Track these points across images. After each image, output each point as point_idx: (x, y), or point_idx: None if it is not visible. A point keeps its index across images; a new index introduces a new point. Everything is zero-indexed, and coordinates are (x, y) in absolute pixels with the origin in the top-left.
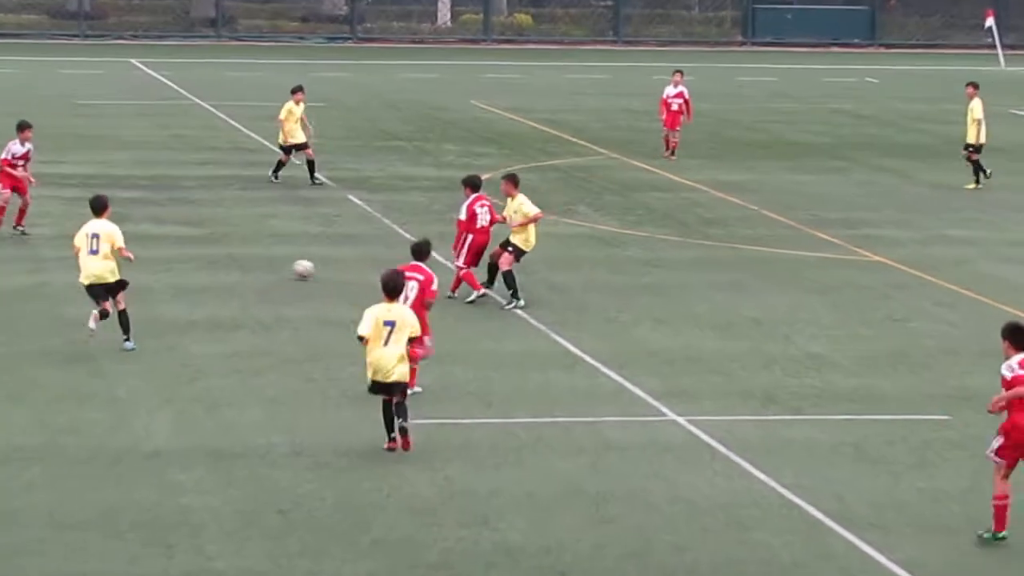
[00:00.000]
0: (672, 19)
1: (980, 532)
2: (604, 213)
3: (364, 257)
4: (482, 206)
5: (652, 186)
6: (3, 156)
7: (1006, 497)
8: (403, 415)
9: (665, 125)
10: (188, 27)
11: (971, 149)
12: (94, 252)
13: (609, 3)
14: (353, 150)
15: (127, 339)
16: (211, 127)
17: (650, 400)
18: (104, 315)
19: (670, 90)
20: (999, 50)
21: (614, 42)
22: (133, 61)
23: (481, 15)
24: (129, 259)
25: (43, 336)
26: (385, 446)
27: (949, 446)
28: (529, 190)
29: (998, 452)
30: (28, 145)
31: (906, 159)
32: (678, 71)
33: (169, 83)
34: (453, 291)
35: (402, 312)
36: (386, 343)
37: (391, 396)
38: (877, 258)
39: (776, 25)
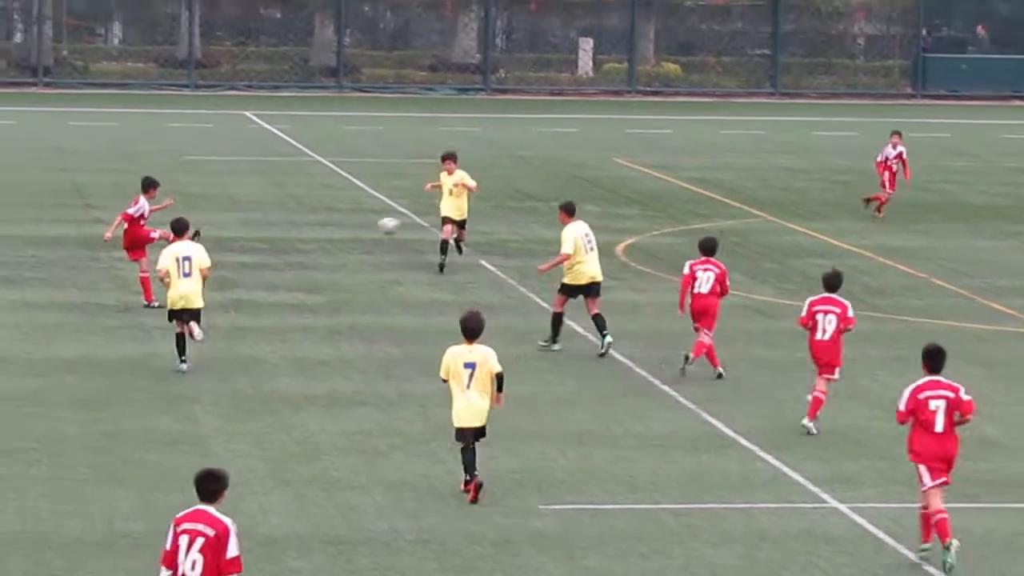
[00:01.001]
0: (835, 68)
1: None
2: (759, 281)
3: (498, 328)
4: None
5: (812, 252)
6: (132, 211)
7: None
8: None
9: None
10: (307, 76)
11: None
12: (187, 275)
13: (766, 51)
14: (485, 211)
15: (183, 361)
16: (331, 185)
17: (810, 486)
18: (188, 335)
19: (889, 151)
20: None
21: (771, 93)
22: (247, 113)
23: (626, 64)
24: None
25: (149, 413)
26: (462, 487)
27: None
28: (679, 255)
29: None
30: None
31: None
32: (896, 132)
33: (286, 137)
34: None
35: (483, 352)
36: (468, 386)
37: (471, 442)
38: None
39: (949, 75)
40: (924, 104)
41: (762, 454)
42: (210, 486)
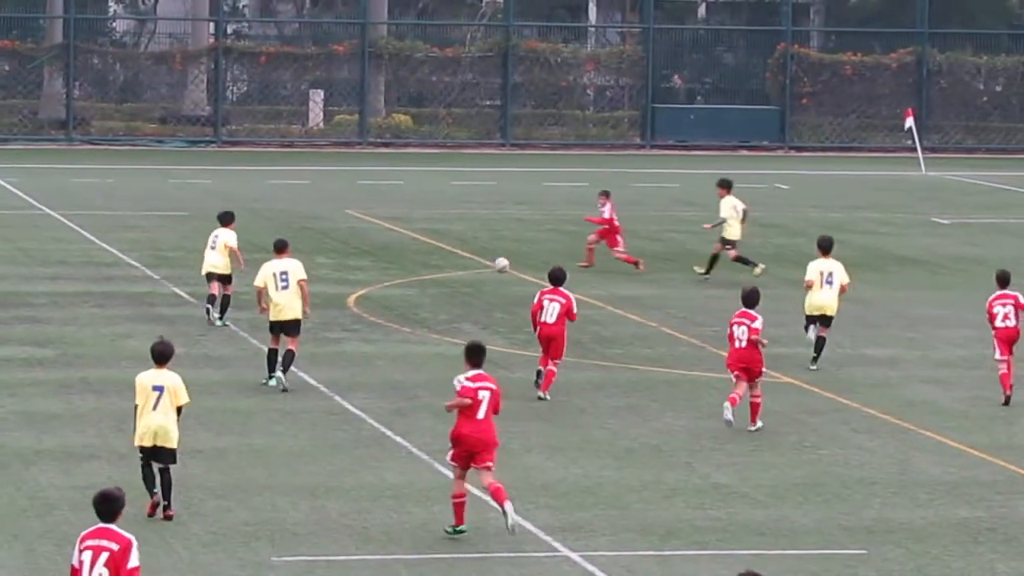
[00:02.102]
0: (565, 119)
1: (446, 528)
2: (492, 332)
3: (230, 381)
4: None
5: None
6: None
7: (463, 495)
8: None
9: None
10: (36, 129)
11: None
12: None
13: (497, 102)
14: None
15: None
16: (61, 239)
17: (542, 535)
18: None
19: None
20: (919, 153)
21: (502, 144)
22: None
23: (356, 116)
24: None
25: None
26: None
27: None
28: (410, 306)
29: (452, 458)
30: None
31: None
32: (603, 192)
33: (15, 190)
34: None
35: (172, 379)
36: (155, 407)
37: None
38: (787, 379)
39: (678, 126)
40: (653, 154)
41: (494, 504)
42: (109, 508)
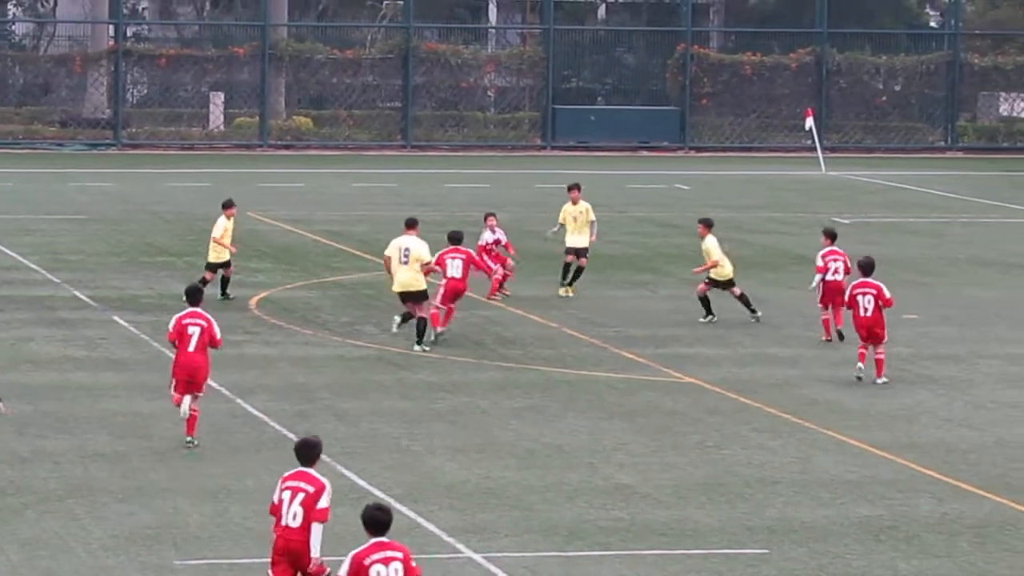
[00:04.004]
0: (465, 121)
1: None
2: (392, 334)
3: (131, 384)
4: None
5: None
6: None
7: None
8: None
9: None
10: None
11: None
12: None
13: (397, 104)
14: (118, 267)
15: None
16: None
17: (445, 537)
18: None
19: (487, 236)
20: (819, 153)
21: (403, 146)
22: None
23: (257, 118)
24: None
25: None
26: None
27: None
28: (311, 308)
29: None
30: None
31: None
32: (491, 215)
33: None
34: None
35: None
36: None
37: None
38: (689, 379)
39: (578, 127)
40: (554, 155)
41: (398, 505)
42: (308, 452)
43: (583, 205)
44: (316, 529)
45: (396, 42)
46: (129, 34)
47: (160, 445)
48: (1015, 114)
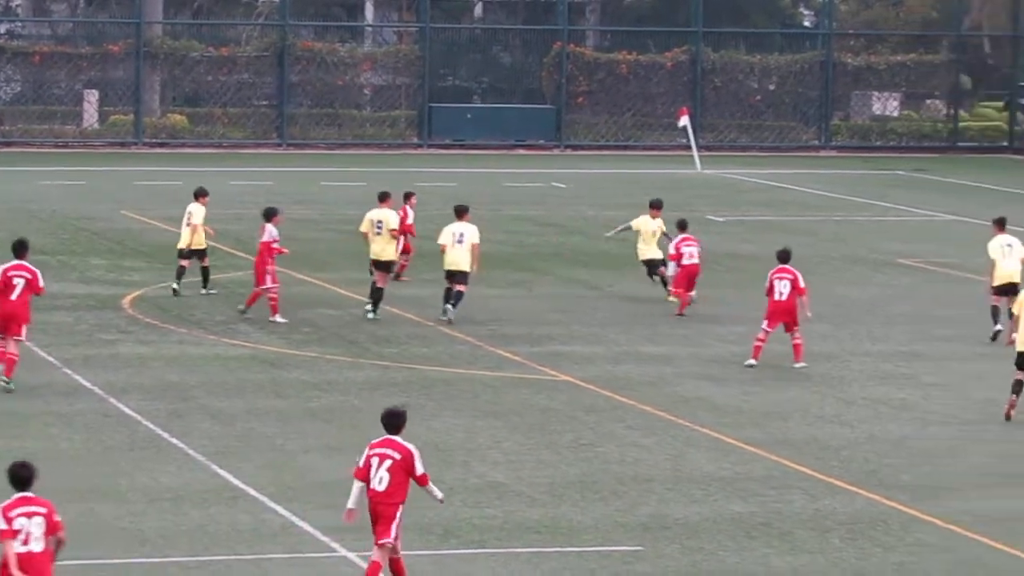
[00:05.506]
0: (342, 120)
1: None
2: (268, 332)
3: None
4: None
5: (320, 302)
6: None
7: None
8: None
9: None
10: None
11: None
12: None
13: (273, 102)
14: None
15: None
16: None
17: (320, 536)
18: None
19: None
20: (695, 151)
21: (279, 144)
22: None
23: (131, 116)
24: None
25: None
26: None
27: None
28: (186, 307)
29: None
30: None
31: (597, 269)
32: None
33: None
34: None
35: None
36: None
37: None
38: (564, 377)
39: (455, 126)
40: (431, 154)
41: (272, 505)
42: (394, 421)
43: (469, 226)
44: (429, 488)
45: (272, 40)
46: (2, 31)
47: (32, 445)
48: (887, 113)
